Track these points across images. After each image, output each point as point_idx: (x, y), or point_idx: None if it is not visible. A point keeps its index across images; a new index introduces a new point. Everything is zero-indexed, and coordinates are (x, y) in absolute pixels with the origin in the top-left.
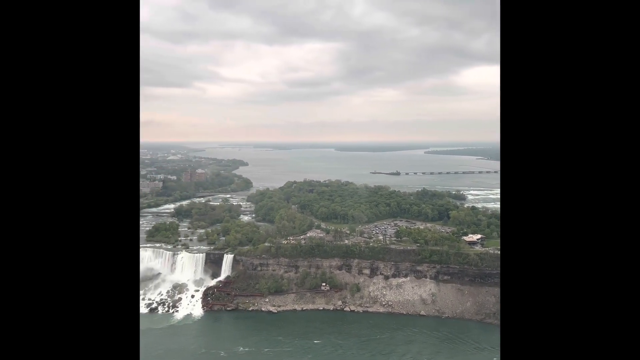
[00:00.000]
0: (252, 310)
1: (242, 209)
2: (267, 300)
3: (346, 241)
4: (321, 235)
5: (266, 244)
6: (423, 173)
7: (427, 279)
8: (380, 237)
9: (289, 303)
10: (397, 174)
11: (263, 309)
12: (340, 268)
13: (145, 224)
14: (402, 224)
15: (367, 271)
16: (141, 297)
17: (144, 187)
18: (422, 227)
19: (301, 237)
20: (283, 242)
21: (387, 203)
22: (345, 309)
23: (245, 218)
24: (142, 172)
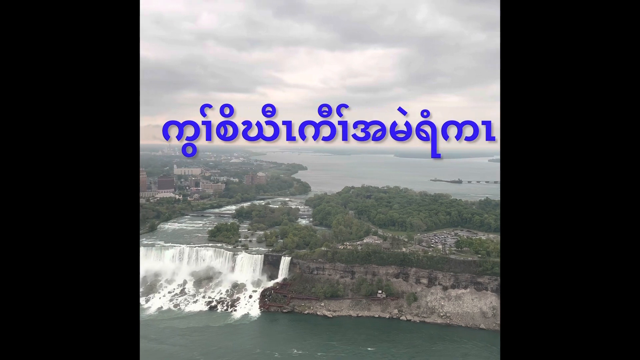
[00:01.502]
0: (308, 313)
1: (300, 212)
2: (322, 304)
3: (404, 249)
4: (378, 241)
5: (323, 249)
6: (486, 182)
7: (488, 292)
8: (440, 247)
9: (344, 308)
10: (459, 182)
11: (318, 313)
12: (397, 276)
13: (208, 224)
14: (463, 233)
15: (424, 280)
16: (201, 295)
17: (208, 188)
18: (484, 237)
19: (358, 242)
20: (339, 247)
21: (447, 211)
22: (401, 318)
23: (303, 222)
24: (207, 174)
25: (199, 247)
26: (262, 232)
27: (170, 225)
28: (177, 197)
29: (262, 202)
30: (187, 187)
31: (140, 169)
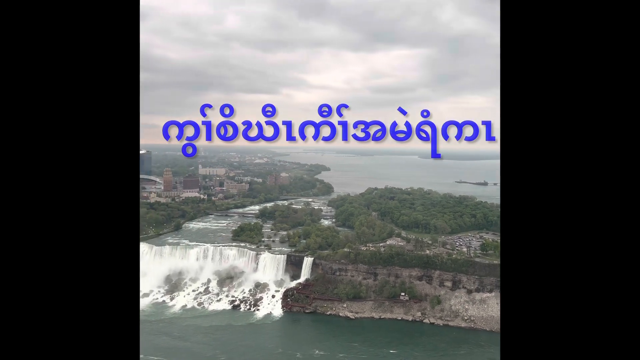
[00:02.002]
0: (330, 314)
1: (323, 213)
2: (345, 305)
3: (427, 251)
4: (401, 243)
5: (345, 250)
6: None
7: None
8: (464, 250)
9: (366, 310)
10: (485, 184)
11: (341, 314)
12: (420, 278)
13: (232, 223)
14: (489, 236)
15: (448, 284)
16: (225, 294)
17: (232, 188)
18: None
19: (381, 244)
20: (362, 248)
21: (472, 214)
22: (424, 321)
23: (326, 222)
24: (231, 174)
25: (222, 246)
26: (285, 233)
27: (195, 225)
28: (201, 196)
29: (285, 203)
30: (212, 187)
31: (166, 168)
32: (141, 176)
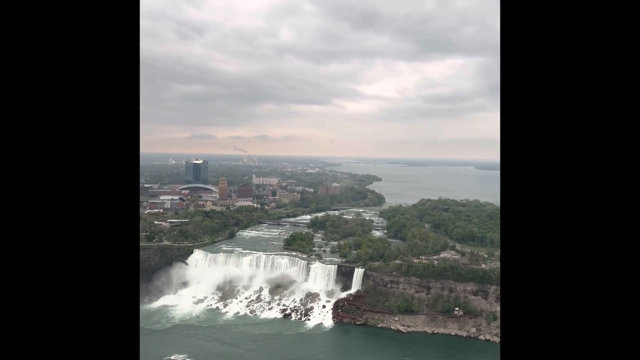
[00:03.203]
0: (381, 327)
1: (374, 224)
2: (396, 318)
3: (483, 265)
4: (456, 257)
5: (397, 262)
6: None
7: None
8: None
9: (419, 324)
10: None
11: (392, 327)
12: (475, 293)
13: (284, 232)
14: None
15: None
16: (276, 303)
17: (284, 197)
18: None
19: (434, 257)
20: (415, 260)
21: None
22: (479, 337)
23: (377, 233)
24: (283, 184)
25: (274, 255)
26: (335, 243)
27: (248, 233)
28: (255, 205)
29: (336, 213)
30: (265, 196)
31: (222, 177)
32: (198, 185)
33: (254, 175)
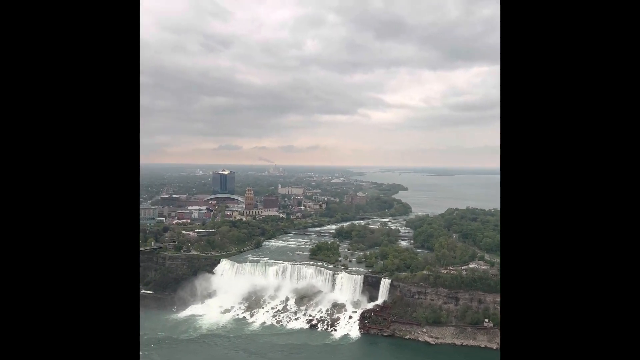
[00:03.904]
0: (409, 338)
1: (401, 234)
2: (424, 330)
3: None
4: (484, 267)
5: (424, 272)
6: None
7: None
8: None
9: (447, 336)
10: None
11: (420, 339)
12: None
13: (309, 242)
14: None
15: None
16: (302, 313)
17: (310, 207)
18: None
19: (462, 267)
20: (442, 271)
21: None
22: None
23: (404, 243)
24: (309, 193)
25: (300, 264)
26: (361, 253)
27: (274, 243)
28: (280, 215)
29: (362, 222)
30: (290, 206)
31: (248, 188)
32: (224, 195)
33: (279, 185)
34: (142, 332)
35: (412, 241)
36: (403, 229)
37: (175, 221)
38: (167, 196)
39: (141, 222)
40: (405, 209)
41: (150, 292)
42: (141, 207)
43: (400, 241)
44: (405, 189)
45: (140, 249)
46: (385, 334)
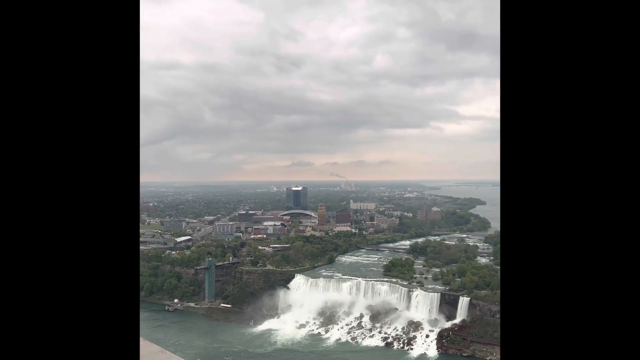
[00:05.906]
0: (490, 359)
1: (479, 250)
2: None
3: None
4: None
5: None
6: None
7: None
8: None
9: None
10: None
11: None
12: None
13: (383, 258)
14: None
15: None
16: (377, 330)
17: (382, 222)
18: None
19: None
20: None
21: None
22: None
23: (483, 260)
24: (381, 208)
25: (374, 281)
26: (437, 270)
27: (347, 258)
28: (353, 230)
29: (437, 238)
30: (363, 221)
31: (320, 203)
32: (298, 211)
33: (351, 201)
34: (219, 345)
35: (491, 258)
36: (482, 245)
37: (252, 236)
38: (244, 212)
39: (220, 237)
40: (483, 224)
41: (229, 305)
42: (220, 222)
43: (479, 258)
44: (483, 203)
45: (219, 263)
46: (464, 354)
